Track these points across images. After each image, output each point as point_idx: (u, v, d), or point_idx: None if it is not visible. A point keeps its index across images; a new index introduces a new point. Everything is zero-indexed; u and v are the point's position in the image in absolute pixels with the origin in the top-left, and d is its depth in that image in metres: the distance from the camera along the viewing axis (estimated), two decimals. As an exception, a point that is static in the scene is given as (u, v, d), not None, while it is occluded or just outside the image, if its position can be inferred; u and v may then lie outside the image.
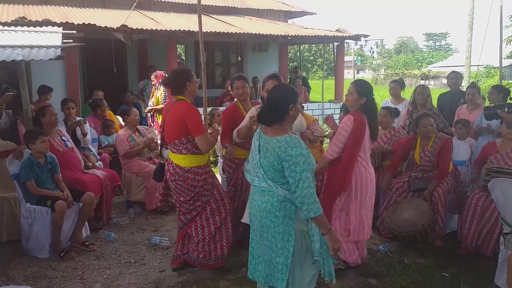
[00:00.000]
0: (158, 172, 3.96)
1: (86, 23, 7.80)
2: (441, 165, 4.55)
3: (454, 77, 6.29)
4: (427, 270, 3.97)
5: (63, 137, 4.92)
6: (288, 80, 11.54)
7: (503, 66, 9.74)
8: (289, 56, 14.94)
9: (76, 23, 7.63)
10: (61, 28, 6.75)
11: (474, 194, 4.28)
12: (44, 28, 6.56)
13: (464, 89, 6.58)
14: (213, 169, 4.92)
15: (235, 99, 4.34)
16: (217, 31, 9.28)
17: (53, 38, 6.11)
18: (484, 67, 25.89)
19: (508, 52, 33.77)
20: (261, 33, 10.08)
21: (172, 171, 3.70)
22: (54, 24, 7.08)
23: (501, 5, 7.35)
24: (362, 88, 3.70)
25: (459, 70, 8.05)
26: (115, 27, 7.96)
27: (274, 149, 2.56)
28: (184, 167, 3.64)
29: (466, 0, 18.89)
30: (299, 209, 2.59)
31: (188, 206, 3.79)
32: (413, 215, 4.33)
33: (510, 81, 5.39)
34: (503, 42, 8.94)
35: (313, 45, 41.37)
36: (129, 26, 7.94)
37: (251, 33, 9.94)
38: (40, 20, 7.30)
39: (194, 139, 3.59)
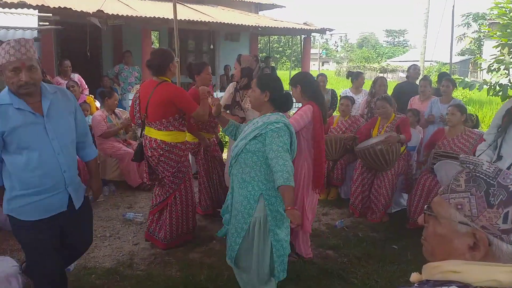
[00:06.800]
0: (139, 152, 4.03)
1: (62, 6, 7.78)
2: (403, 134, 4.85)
3: (417, 68, 6.82)
4: (378, 243, 4.30)
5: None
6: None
7: (454, 62, 10.39)
8: (259, 47, 15.25)
9: (52, 6, 7.62)
10: (37, 10, 6.81)
11: (423, 175, 4.71)
12: (19, 10, 6.60)
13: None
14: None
15: (196, 85, 4.52)
16: (191, 20, 9.46)
17: (29, 20, 6.21)
18: (436, 63, 27.40)
19: (459, 49, 35.48)
20: (233, 23, 10.33)
21: (155, 147, 3.84)
22: (29, 6, 7.06)
23: (453, 5, 7.87)
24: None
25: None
26: (91, 12, 8.01)
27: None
28: (170, 142, 3.85)
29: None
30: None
31: (172, 179, 3.97)
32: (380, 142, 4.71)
33: (460, 77, 5.77)
34: (456, 39, 9.57)
35: (282, 37, 41.71)
36: (105, 12, 8.04)
37: (224, 22, 10.18)
38: (15, 1, 7.24)
39: (191, 116, 3.91)
